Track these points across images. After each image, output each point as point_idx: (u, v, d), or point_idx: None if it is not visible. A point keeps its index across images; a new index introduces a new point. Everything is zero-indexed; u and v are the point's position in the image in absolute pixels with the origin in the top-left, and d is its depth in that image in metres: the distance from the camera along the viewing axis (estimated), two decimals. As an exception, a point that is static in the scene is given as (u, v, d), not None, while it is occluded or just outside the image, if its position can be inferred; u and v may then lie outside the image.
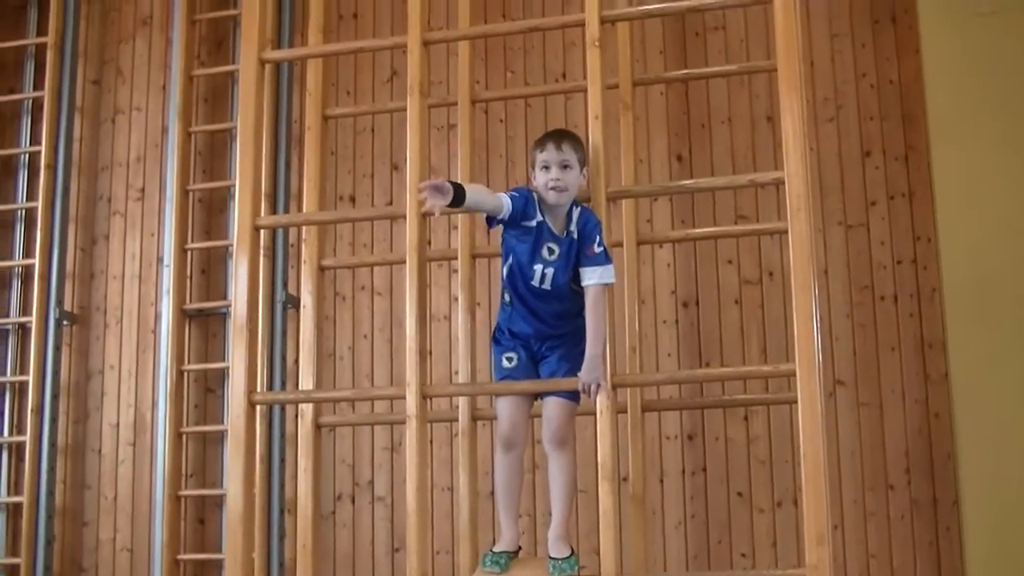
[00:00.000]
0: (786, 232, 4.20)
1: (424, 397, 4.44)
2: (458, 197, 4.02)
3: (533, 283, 4.26)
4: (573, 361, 4.21)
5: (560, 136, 4.26)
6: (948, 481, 5.61)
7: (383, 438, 6.28)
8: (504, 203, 4.16)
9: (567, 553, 4.16)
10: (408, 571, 4.32)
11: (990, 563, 5.43)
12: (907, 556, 5.62)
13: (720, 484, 5.86)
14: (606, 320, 4.20)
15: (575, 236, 4.22)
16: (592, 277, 4.19)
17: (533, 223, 4.22)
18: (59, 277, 6.78)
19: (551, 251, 4.23)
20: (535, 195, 4.26)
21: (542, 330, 4.30)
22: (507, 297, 4.37)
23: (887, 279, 5.88)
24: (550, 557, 4.16)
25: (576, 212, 4.26)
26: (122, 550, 6.54)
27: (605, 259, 4.21)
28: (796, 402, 4.10)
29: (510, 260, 4.30)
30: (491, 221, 4.25)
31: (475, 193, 4.13)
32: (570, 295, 4.26)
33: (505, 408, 4.30)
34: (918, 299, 5.82)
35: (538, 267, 4.25)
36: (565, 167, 4.19)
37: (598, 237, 4.21)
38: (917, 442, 5.68)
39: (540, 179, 4.21)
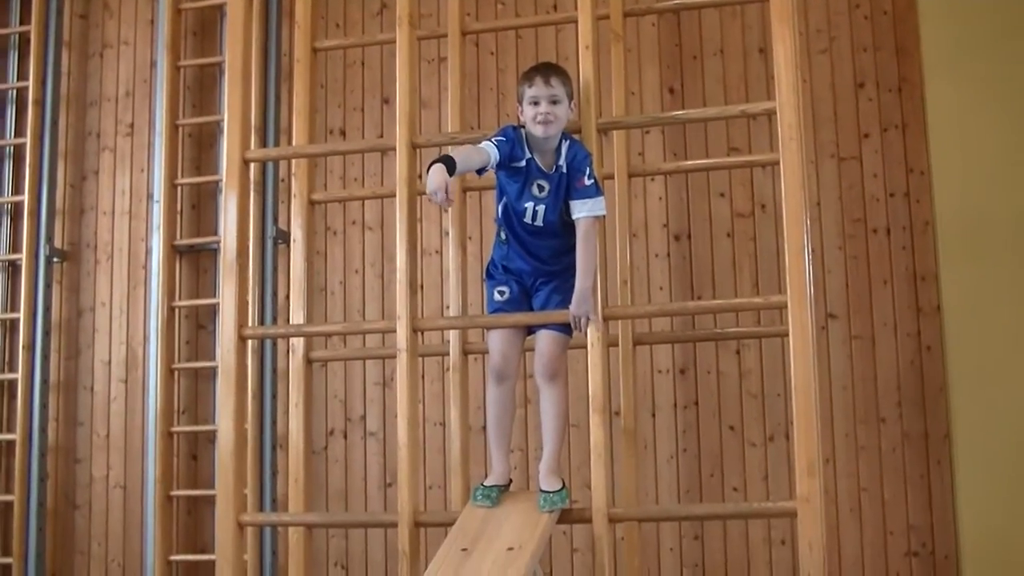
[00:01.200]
0: (779, 164, 4.18)
1: (415, 330, 4.45)
2: (451, 169, 4.01)
3: (526, 220, 4.26)
4: (565, 294, 4.21)
5: (548, 70, 4.22)
6: (940, 414, 5.61)
7: (375, 373, 6.28)
8: (491, 154, 4.16)
9: (558, 486, 4.17)
10: (400, 505, 4.34)
11: (981, 496, 5.45)
12: (898, 489, 5.63)
13: (712, 418, 5.86)
14: (597, 253, 4.19)
15: (564, 171, 4.21)
16: (582, 210, 4.18)
17: (522, 163, 4.22)
18: (48, 214, 6.74)
19: (541, 188, 4.23)
20: (522, 132, 4.24)
21: (537, 267, 4.30)
22: (503, 235, 4.37)
23: (880, 212, 5.85)
24: (541, 490, 4.17)
25: (565, 146, 4.24)
26: (115, 487, 6.56)
27: (596, 191, 4.19)
28: (788, 335, 4.10)
29: (503, 199, 4.30)
30: (481, 170, 4.25)
31: (464, 158, 4.11)
32: (563, 231, 4.25)
33: (497, 341, 4.30)
34: (911, 232, 5.79)
35: (529, 204, 4.25)
36: (554, 102, 4.17)
37: (588, 169, 4.19)
38: (909, 375, 5.68)
39: (528, 113, 4.19)
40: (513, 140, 4.22)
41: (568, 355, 4.32)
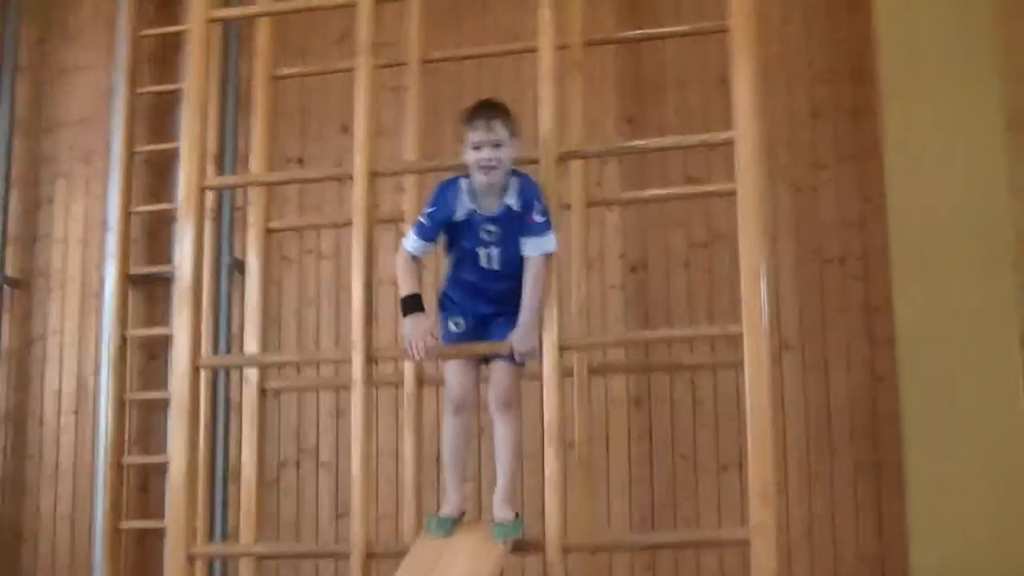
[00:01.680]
0: (734, 194, 4.19)
1: (370, 360, 4.42)
2: (417, 302, 4.16)
3: (481, 264, 4.23)
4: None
5: (489, 112, 4.14)
6: (892, 443, 5.62)
7: (328, 403, 6.25)
8: (420, 251, 4.24)
9: (512, 516, 4.14)
10: (352, 536, 4.31)
11: (933, 526, 5.44)
12: (850, 517, 5.67)
13: (666, 448, 5.87)
14: (544, 290, 4.15)
15: (513, 207, 4.16)
16: (532, 248, 4.15)
17: (463, 216, 4.18)
18: (0, 241, 6.66)
19: (489, 232, 4.18)
20: (460, 183, 4.20)
21: (491, 306, 4.27)
22: (453, 270, 4.34)
23: (834, 241, 5.89)
24: (495, 521, 4.15)
25: (514, 183, 4.18)
26: (63, 519, 6.49)
27: (546, 227, 4.15)
28: (742, 364, 4.11)
29: (453, 246, 4.29)
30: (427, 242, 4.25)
31: (410, 281, 4.24)
32: (521, 271, 4.19)
33: (453, 372, 4.28)
34: (865, 261, 5.84)
35: (481, 250, 4.22)
36: (496, 145, 4.09)
37: (538, 204, 4.14)
38: (862, 404, 5.72)
39: (471, 158, 4.13)
40: (445, 201, 4.19)
41: (522, 386, 4.30)
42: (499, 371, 4.20)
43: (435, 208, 4.19)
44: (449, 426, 4.30)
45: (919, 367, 5.53)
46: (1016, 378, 5.41)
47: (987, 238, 5.58)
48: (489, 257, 4.21)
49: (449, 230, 4.24)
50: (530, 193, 4.16)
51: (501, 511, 4.16)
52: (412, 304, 4.16)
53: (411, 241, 4.25)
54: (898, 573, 5.55)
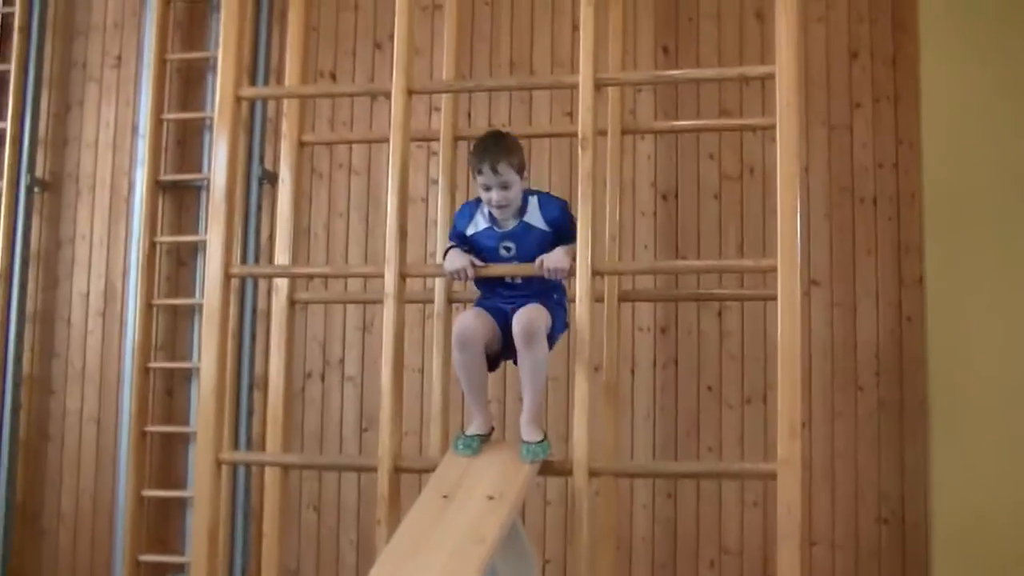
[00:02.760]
0: (769, 128, 4.21)
1: (402, 277, 4.45)
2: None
3: (505, 280, 4.38)
4: (540, 300, 4.28)
5: (494, 156, 4.24)
6: (917, 384, 5.65)
7: (355, 318, 6.27)
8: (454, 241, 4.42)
9: (540, 437, 4.19)
10: (380, 449, 4.37)
11: (954, 466, 5.50)
12: (872, 456, 5.69)
13: (691, 377, 5.89)
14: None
15: (533, 224, 4.30)
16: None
17: (479, 233, 4.36)
18: (31, 143, 6.66)
19: (508, 249, 4.33)
20: (479, 202, 4.37)
21: (513, 306, 4.31)
22: (479, 287, 4.49)
23: (867, 182, 5.87)
24: (523, 441, 4.19)
25: (532, 201, 4.33)
26: (89, 420, 6.54)
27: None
28: (772, 299, 4.15)
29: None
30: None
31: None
32: (541, 283, 4.32)
33: (467, 318, 4.31)
34: (897, 203, 5.82)
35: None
36: (504, 187, 4.24)
37: (571, 217, 4.30)
38: (888, 344, 5.73)
39: (483, 196, 4.30)
40: (469, 214, 4.40)
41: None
42: (524, 310, 4.22)
43: (454, 227, 4.44)
44: (459, 361, 4.33)
45: (947, 309, 5.56)
46: (1044, 323, 5.45)
47: (1019, 183, 5.58)
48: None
49: (472, 247, 4.38)
50: (560, 211, 4.34)
51: (528, 432, 4.20)
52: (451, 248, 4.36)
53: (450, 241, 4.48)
54: (919, 512, 5.61)
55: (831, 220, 5.84)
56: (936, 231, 5.62)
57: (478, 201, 4.37)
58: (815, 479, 5.68)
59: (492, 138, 4.36)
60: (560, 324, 4.37)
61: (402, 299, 4.47)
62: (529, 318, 4.17)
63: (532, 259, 4.25)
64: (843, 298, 5.79)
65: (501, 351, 4.36)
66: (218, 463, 4.48)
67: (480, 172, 4.24)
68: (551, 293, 4.34)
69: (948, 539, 5.48)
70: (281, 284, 5.24)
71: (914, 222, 5.75)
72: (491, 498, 3.93)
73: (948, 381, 5.52)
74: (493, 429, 4.40)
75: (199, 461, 4.49)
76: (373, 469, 4.40)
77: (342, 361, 6.29)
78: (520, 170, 4.27)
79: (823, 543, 5.68)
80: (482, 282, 4.41)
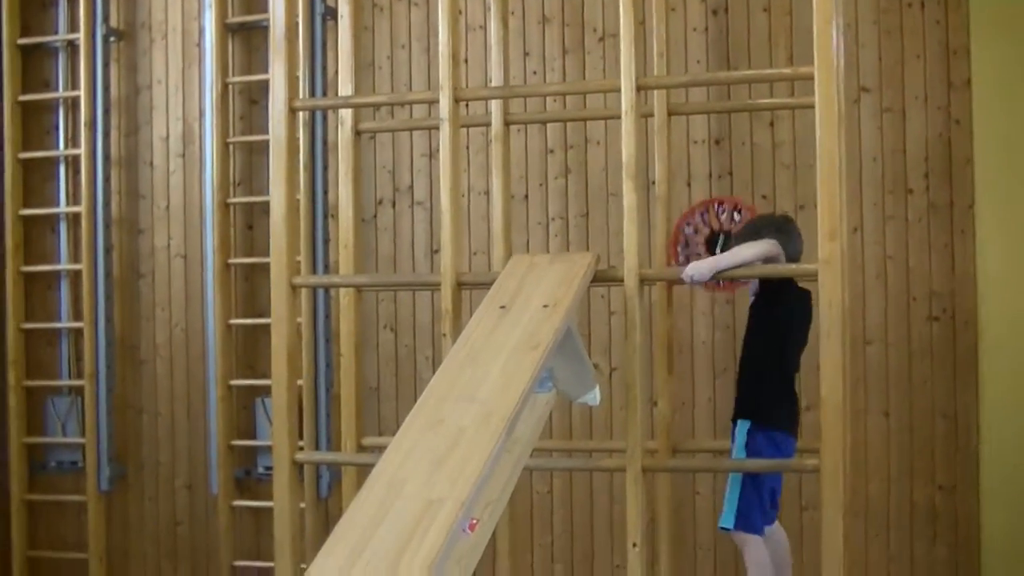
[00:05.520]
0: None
1: (456, 100, 4.63)
2: None
3: None
4: None
5: None
6: (965, 185, 5.74)
7: (421, 144, 6.44)
8: None
9: None
10: (443, 266, 4.61)
11: (1002, 263, 5.63)
12: (923, 257, 5.80)
13: (745, 187, 6.01)
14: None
15: None
16: None
17: None
18: (103, -6, 6.88)
19: None
20: None
21: None
22: None
23: (915, -15, 5.89)
24: None
25: None
26: (176, 256, 6.86)
27: None
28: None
29: None
30: None
31: None
32: None
33: None
34: (944, 6, 5.81)
35: None
36: None
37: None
38: (937, 147, 5.79)
39: None
40: None
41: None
42: None
43: None
44: None
45: (994, 111, 5.61)
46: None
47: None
48: None
49: None
50: None
51: None
52: None
53: None
54: (966, 311, 5.74)
55: (879, 26, 5.87)
56: (983, 33, 5.64)
57: None
58: (867, 281, 5.82)
59: None
60: None
61: (456, 123, 4.65)
62: None
63: None
64: (892, 103, 5.85)
65: None
66: (292, 287, 4.74)
67: None
68: None
69: (996, 336, 5.64)
70: (346, 116, 5.45)
71: (962, 25, 5.74)
72: (545, 306, 4.14)
73: (996, 181, 5.61)
74: None
75: (275, 286, 4.72)
76: (437, 285, 4.66)
77: (411, 187, 6.49)
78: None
79: (877, 342, 5.85)
80: None
